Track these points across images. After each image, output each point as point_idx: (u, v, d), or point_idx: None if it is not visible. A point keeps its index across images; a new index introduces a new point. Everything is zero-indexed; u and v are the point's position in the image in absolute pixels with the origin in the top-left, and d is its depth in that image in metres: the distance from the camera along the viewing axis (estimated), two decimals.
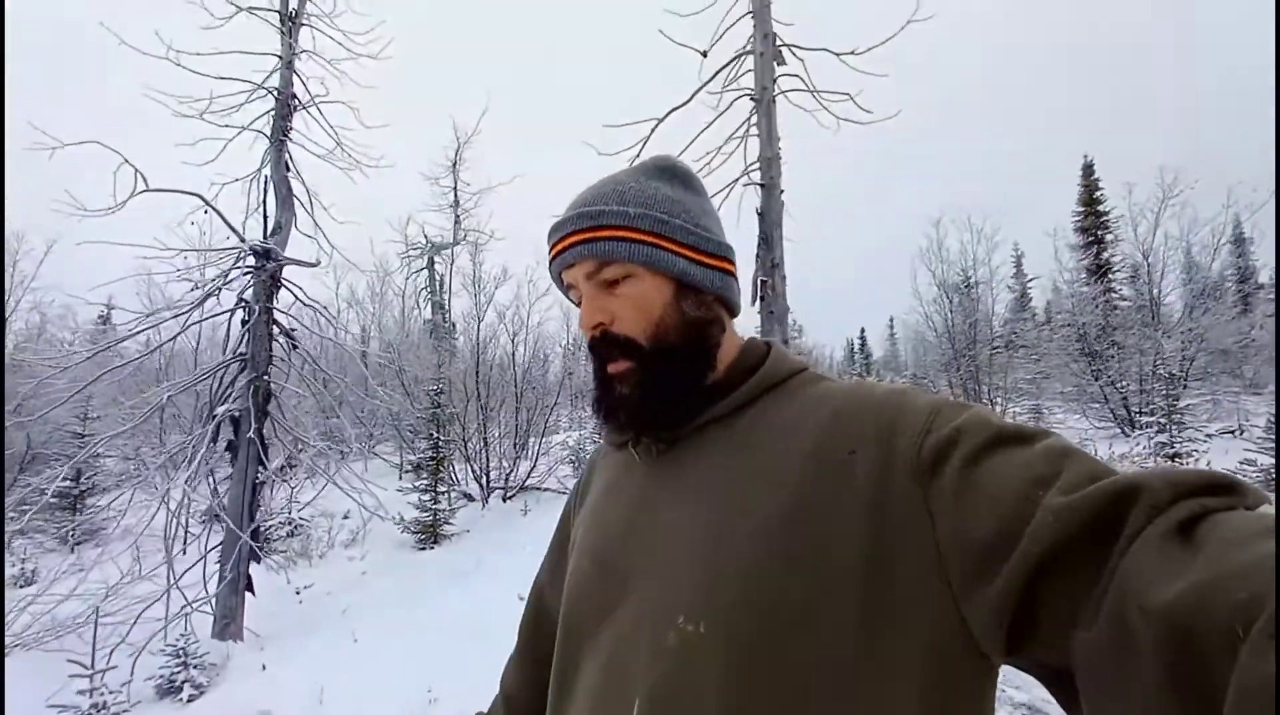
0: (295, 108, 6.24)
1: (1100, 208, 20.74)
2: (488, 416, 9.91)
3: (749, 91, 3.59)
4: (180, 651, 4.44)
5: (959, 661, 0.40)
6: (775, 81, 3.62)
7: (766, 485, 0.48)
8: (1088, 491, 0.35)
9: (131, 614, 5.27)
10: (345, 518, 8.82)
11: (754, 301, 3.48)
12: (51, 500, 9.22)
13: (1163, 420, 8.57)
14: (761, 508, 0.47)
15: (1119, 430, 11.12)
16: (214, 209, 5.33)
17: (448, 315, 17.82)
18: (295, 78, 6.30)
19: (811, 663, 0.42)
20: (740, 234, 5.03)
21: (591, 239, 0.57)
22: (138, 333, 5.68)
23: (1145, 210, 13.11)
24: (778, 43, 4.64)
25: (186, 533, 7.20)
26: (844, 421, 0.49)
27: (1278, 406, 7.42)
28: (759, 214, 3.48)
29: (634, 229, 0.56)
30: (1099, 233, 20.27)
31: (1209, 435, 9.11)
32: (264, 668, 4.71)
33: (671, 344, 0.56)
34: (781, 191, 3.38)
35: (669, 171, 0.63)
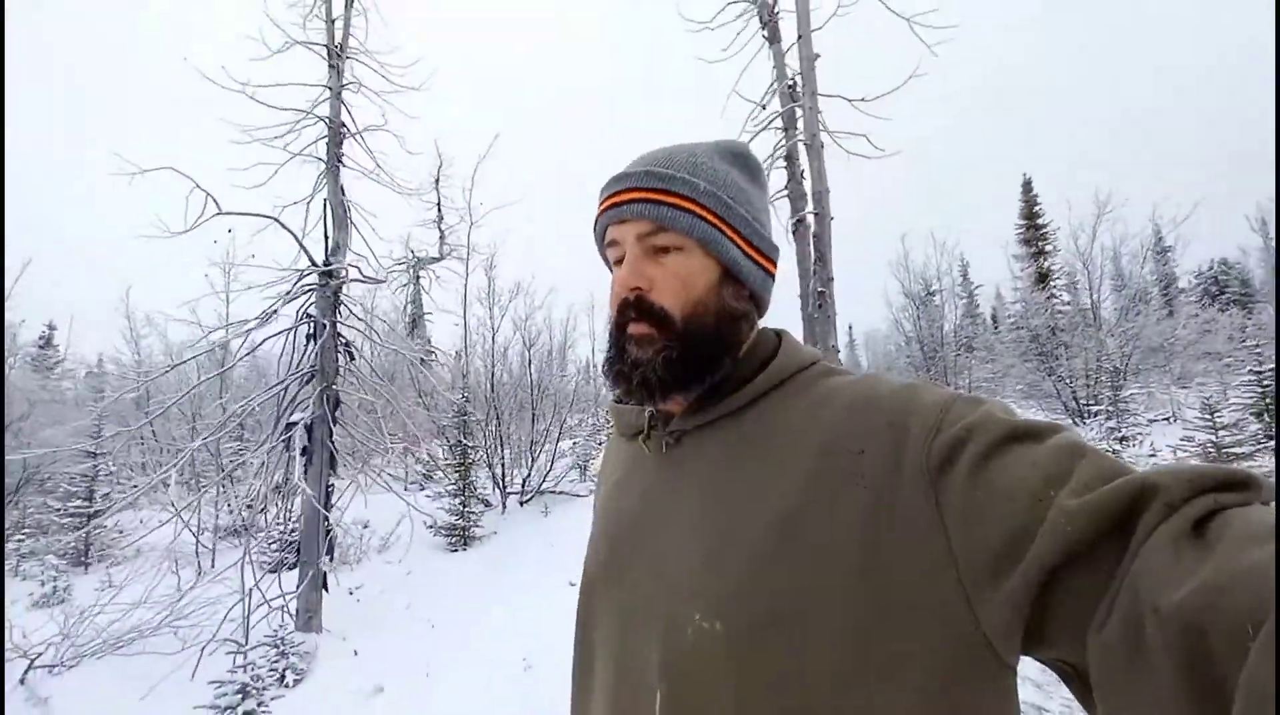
0: (345, 135, 6.70)
1: (1039, 221, 22.82)
2: (502, 424, 10.36)
3: (802, 138, 4.37)
4: (279, 641, 4.80)
5: (974, 663, 0.39)
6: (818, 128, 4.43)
7: (774, 483, 0.48)
8: (1102, 491, 0.34)
9: (197, 616, 5.57)
10: (365, 527, 9.08)
11: (813, 308, 4.24)
12: (62, 520, 9.13)
13: (1110, 408, 9.82)
14: (766, 504, 0.47)
15: (1070, 421, 12.47)
16: (288, 229, 5.75)
17: (421, 329, 18.08)
18: (344, 107, 6.76)
19: (816, 660, 0.42)
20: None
21: (655, 201, 0.55)
22: (203, 351, 5.98)
23: (1084, 224, 14.72)
24: (800, 91, 5.48)
25: (248, 539, 7.38)
26: (854, 418, 0.48)
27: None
28: (814, 237, 4.25)
29: (699, 204, 0.55)
30: (1039, 244, 22.30)
31: (1150, 421, 10.45)
32: (355, 653, 5.10)
33: (704, 328, 0.55)
34: (832, 218, 4.17)
35: (742, 158, 0.62)
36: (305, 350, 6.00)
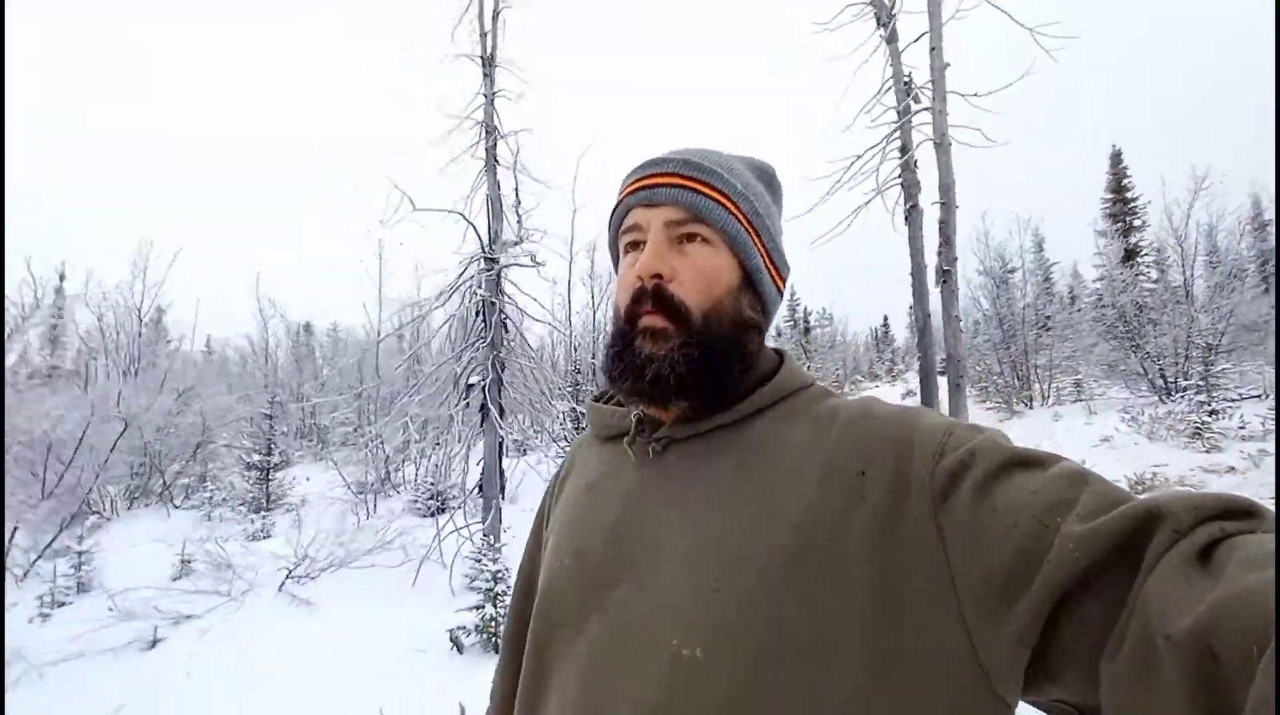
0: (498, 137, 7.74)
1: (1128, 195, 21.97)
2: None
3: (929, 138, 5.05)
4: (481, 554, 5.99)
5: (976, 699, 0.38)
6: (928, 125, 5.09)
7: (774, 503, 0.46)
8: (1109, 517, 0.34)
9: (401, 541, 6.88)
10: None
11: (938, 283, 4.98)
12: (245, 473, 10.83)
13: (1200, 383, 9.97)
14: (769, 527, 0.45)
15: (1157, 398, 12.51)
16: (469, 222, 6.86)
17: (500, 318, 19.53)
18: (495, 112, 7.79)
19: (818, 694, 0.40)
20: (875, 233, 6.50)
21: (693, 188, 0.54)
22: (415, 319, 7.22)
23: (1178, 200, 14.39)
24: (915, 86, 6.11)
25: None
26: (855, 441, 0.47)
27: (1278, 406, 8.01)
28: (941, 223, 4.95)
29: (734, 203, 0.55)
30: (1128, 219, 21.53)
31: (1241, 396, 10.50)
32: None
33: (721, 331, 0.53)
34: (957, 207, 4.85)
35: (769, 176, 0.62)
36: (473, 324, 7.15)
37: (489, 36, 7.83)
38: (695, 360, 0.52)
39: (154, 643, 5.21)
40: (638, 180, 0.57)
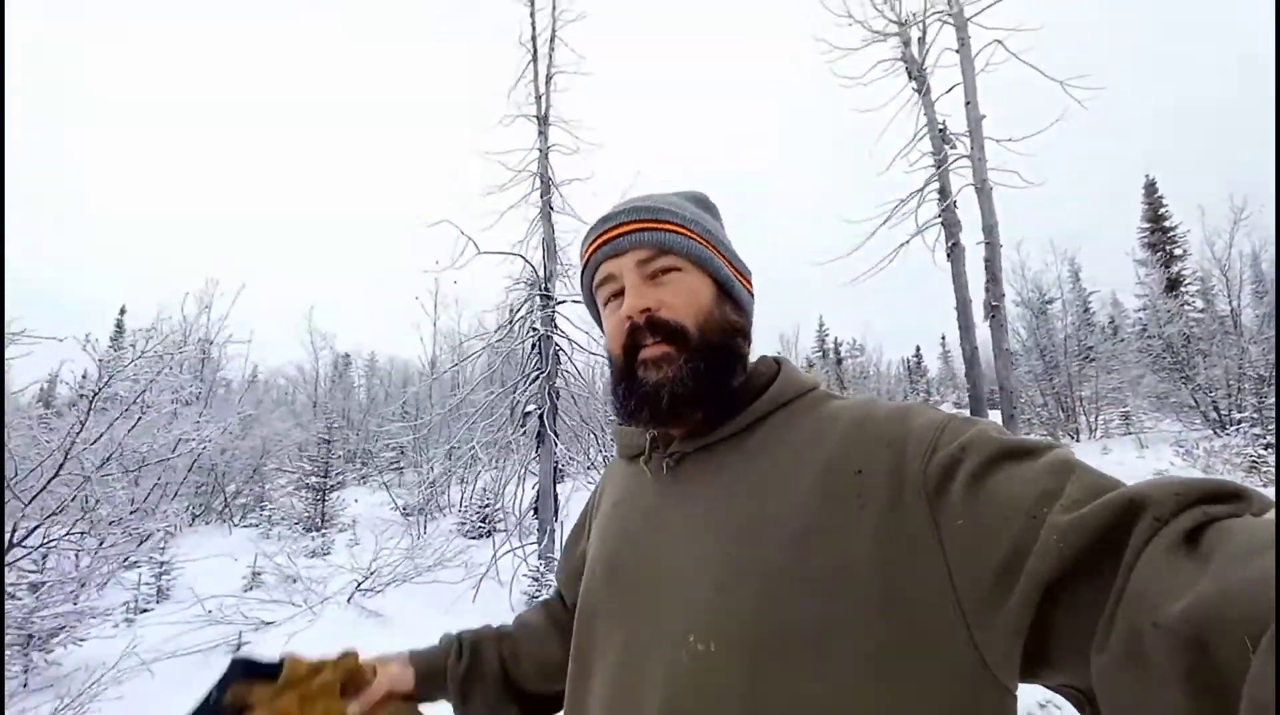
0: (552, 186, 8.36)
1: (1165, 224, 21.70)
2: None
3: (971, 183, 5.40)
4: (539, 573, 6.29)
5: (977, 688, 0.39)
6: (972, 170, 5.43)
7: (778, 504, 0.48)
8: (1092, 506, 0.34)
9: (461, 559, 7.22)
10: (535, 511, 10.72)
11: (986, 318, 5.23)
12: (299, 493, 11.37)
13: (1254, 416, 9.75)
14: (773, 527, 0.47)
15: (1211, 431, 12.17)
16: (528, 263, 7.40)
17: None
18: (549, 164, 8.44)
19: (823, 682, 0.41)
20: (906, 267, 6.79)
21: (651, 228, 0.58)
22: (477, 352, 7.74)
23: (1219, 229, 14.24)
24: (950, 133, 6.47)
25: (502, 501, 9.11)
26: (853, 440, 0.49)
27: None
28: (986, 261, 5.25)
29: (689, 229, 0.59)
30: (1168, 248, 21.21)
31: None
32: None
33: (715, 341, 0.57)
34: (1000, 247, 5.14)
35: (703, 201, 0.67)
36: (528, 356, 7.62)
37: (543, 99, 8.55)
38: (702, 372, 0.55)
39: (238, 646, 5.62)
40: (598, 237, 0.61)
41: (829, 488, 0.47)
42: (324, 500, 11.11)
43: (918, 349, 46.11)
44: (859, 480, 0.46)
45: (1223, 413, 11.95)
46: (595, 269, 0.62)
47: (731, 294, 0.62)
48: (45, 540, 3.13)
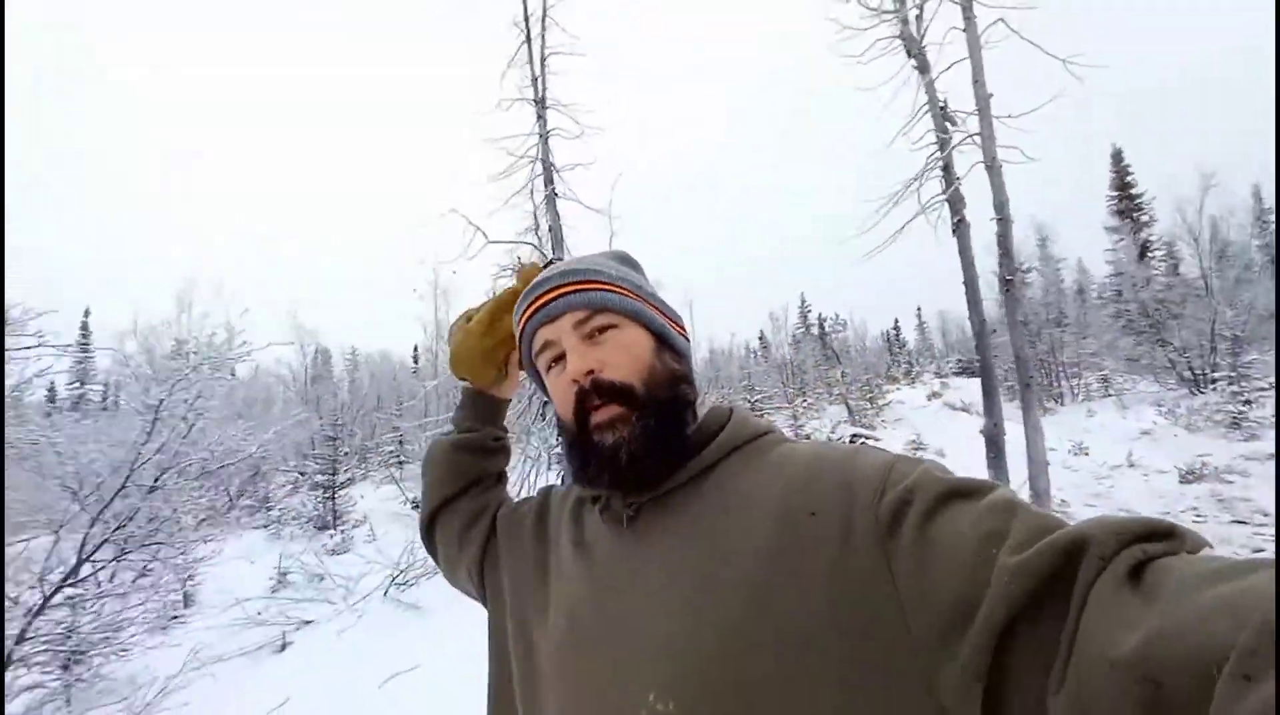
0: (554, 172, 8.32)
1: (1133, 192, 22.45)
2: None
3: (981, 161, 5.57)
4: None
5: None
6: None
7: (733, 556, 0.48)
8: (1038, 548, 0.35)
9: None
10: None
11: (1002, 291, 5.45)
12: (309, 491, 11.32)
13: (1230, 374, 10.32)
14: (729, 580, 0.47)
15: (1188, 391, 12.84)
16: (540, 251, 7.41)
17: None
18: (549, 149, 8.39)
19: None
20: (928, 248, 7.00)
21: (582, 289, 0.59)
22: None
23: (1189, 198, 14.84)
24: (950, 109, 6.65)
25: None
26: (805, 484, 0.49)
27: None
28: (999, 237, 5.44)
29: (617, 286, 0.61)
30: (1135, 215, 21.98)
31: (1270, 385, 10.84)
32: None
33: (662, 393, 0.57)
34: (1012, 222, 5.33)
35: (626, 257, 0.69)
36: None
37: (539, 81, 8.45)
38: (653, 427, 0.55)
39: (283, 646, 5.68)
40: (530, 305, 0.62)
41: (784, 535, 0.47)
42: (334, 498, 11.07)
43: (896, 322, 47.07)
44: (812, 522, 0.46)
45: (1198, 372, 12.60)
46: (532, 337, 0.62)
47: (669, 342, 0.62)
48: (120, 552, 3.15)
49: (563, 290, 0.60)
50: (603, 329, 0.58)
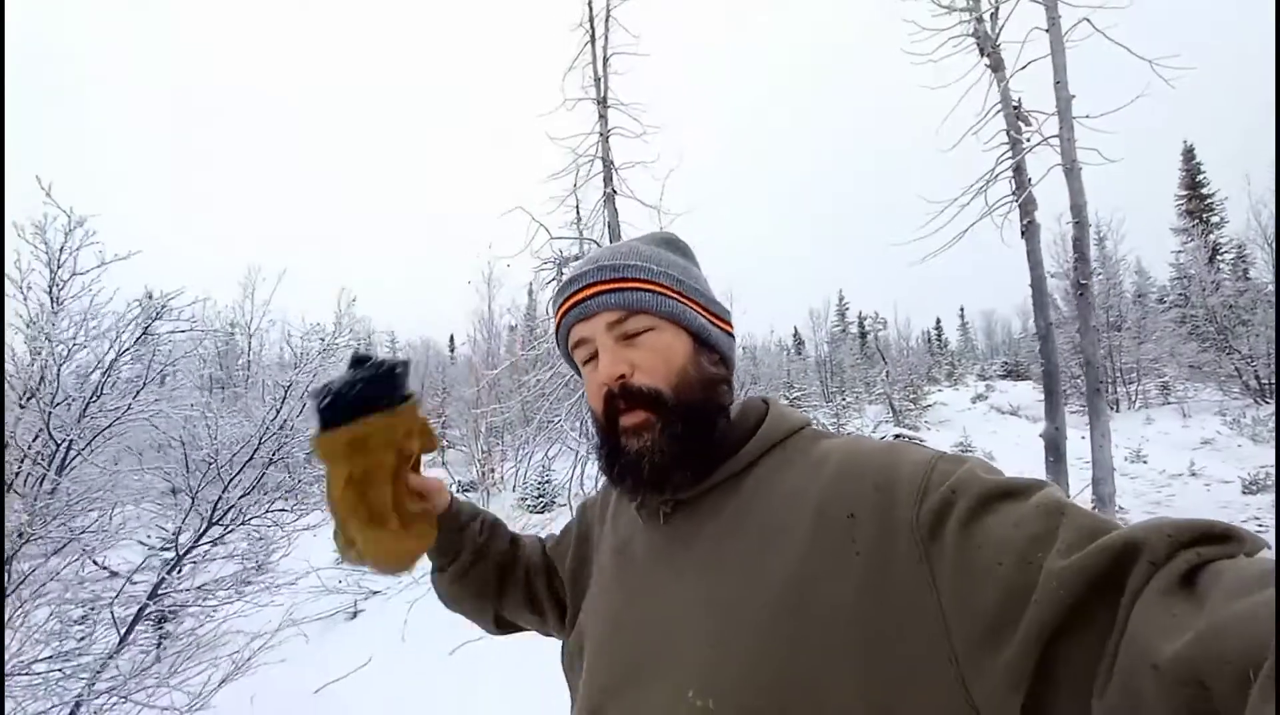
0: (613, 169, 8.48)
1: (1204, 191, 21.33)
2: None
3: (1060, 164, 5.50)
4: None
5: None
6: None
7: (771, 556, 0.48)
8: (1088, 551, 0.34)
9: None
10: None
11: (1076, 295, 5.38)
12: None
13: None
14: (766, 580, 0.47)
15: (1253, 400, 12.28)
16: (598, 245, 7.62)
17: None
18: (609, 147, 8.54)
19: None
20: (974, 248, 6.92)
21: (617, 289, 0.57)
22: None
23: (1264, 199, 14.07)
24: (1024, 110, 6.53)
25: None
26: (842, 484, 0.49)
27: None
28: (1075, 240, 5.37)
29: (657, 283, 0.58)
30: (1204, 216, 20.89)
31: None
32: None
33: (693, 398, 0.56)
34: (1090, 225, 5.24)
35: (674, 243, 0.66)
36: None
37: (601, 81, 8.60)
38: (679, 435, 0.54)
39: (355, 614, 6.07)
40: (567, 300, 0.60)
41: (821, 535, 0.46)
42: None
43: (938, 321, 45.87)
44: (851, 524, 0.46)
45: (1264, 381, 12.03)
46: (568, 332, 0.61)
47: (709, 343, 0.60)
48: (241, 519, 3.47)
49: (598, 288, 0.58)
50: (637, 333, 0.57)
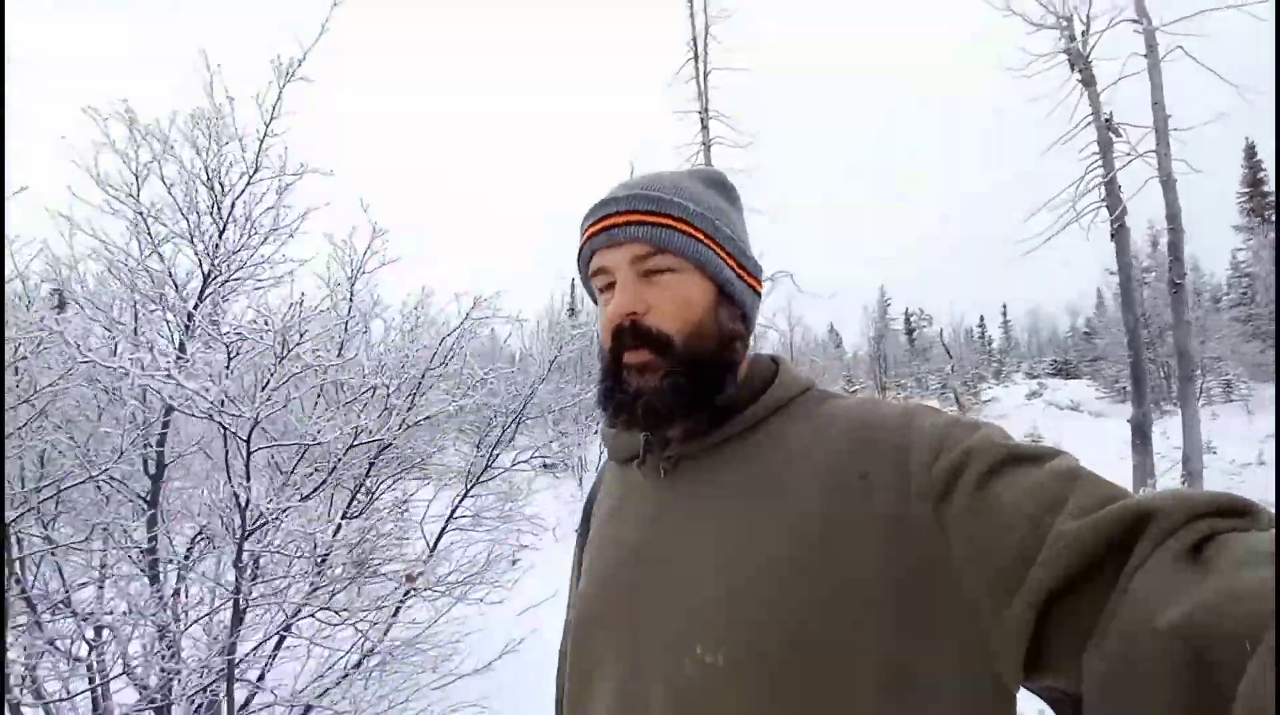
0: None
1: (1265, 189, 21.16)
2: None
3: (1156, 176, 6.18)
4: None
5: (982, 691, 0.40)
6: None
7: (783, 510, 0.47)
8: (1100, 515, 0.35)
9: None
10: None
11: (1171, 294, 6.10)
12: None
13: None
14: (780, 534, 0.46)
15: None
16: None
17: None
18: (710, 158, 9.39)
19: (841, 696, 0.41)
20: (1082, 246, 7.57)
21: (651, 223, 0.55)
22: None
23: None
24: (1115, 122, 7.19)
25: None
26: (856, 443, 0.48)
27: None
28: (1170, 245, 6.05)
29: (692, 225, 0.55)
30: (1266, 214, 20.75)
31: None
32: None
33: (704, 350, 0.54)
34: (1183, 232, 5.93)
35: (720, 183, 0.63)
36: None
37: (704, 95, 9.45)
38: (682, 386, 0.52)
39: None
40: (597, 222, 0.57)
41: (834, 493, 0.46)
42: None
43: (981, 319, 45.58)
44: (863, 484, 0.45)
45: None
46: (590, 256, 0.59)
47: (732, 296, 0.58)
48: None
49: (630, 217, 0.55)
50: (660, 269, 0.55)
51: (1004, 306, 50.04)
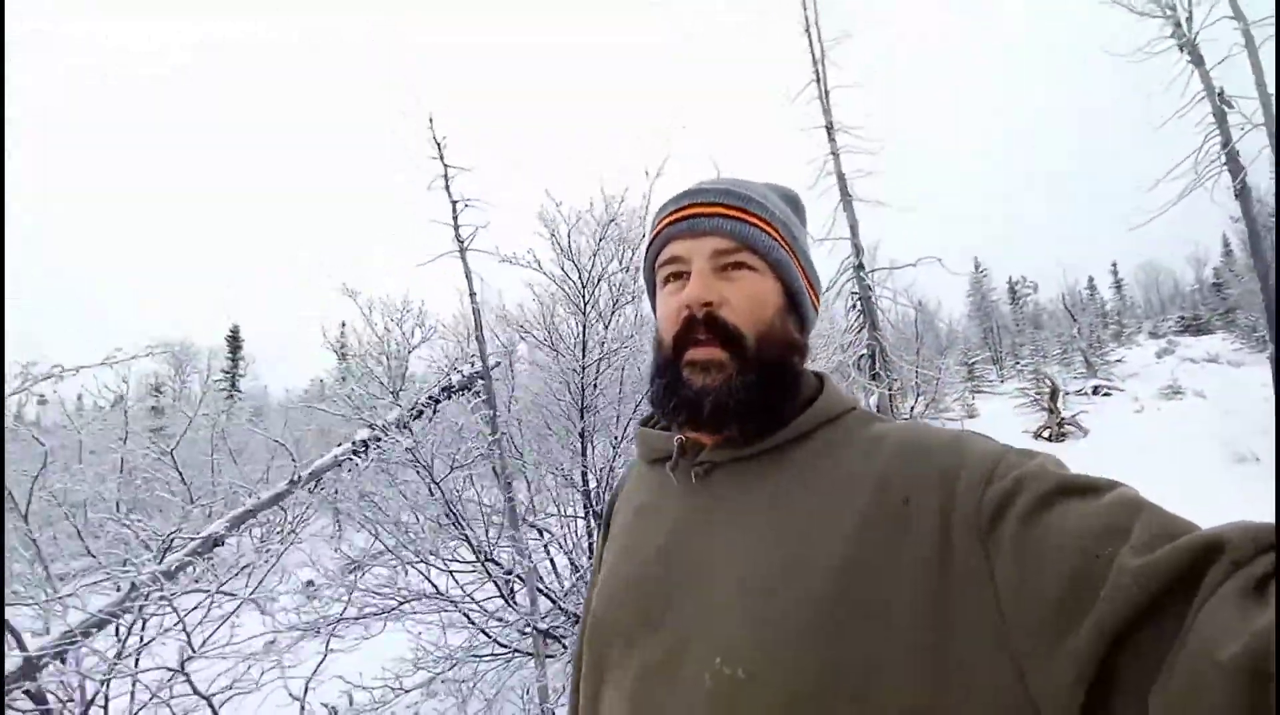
0: (846, 181, 10.81)
1: None
2: None
3: (1269, 145, 7.16)
4: None
5: None
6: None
7: (823, 530, 0.46)
8: (1168, 549, 0.33)
9: None
10: None
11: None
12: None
13: None
14: (818, 554, 0.45)
15: None
16: (855, 245, 9.99)
17: None
18: (840, 164, 10.87)
19: None
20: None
21: (738, 218, 0.55)
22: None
23: None
24: (1227, 94, 8.09)
25: None
26: (902, 467, 0.47)
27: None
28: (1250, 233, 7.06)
29: (777, 230, 0.57)
30: None
31: None
32: None
33: (773, 355, 0.54)
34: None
35: (794, 200, 0.65)
36: (850, 316, 10.23)
37: (829, 112, 10.95)
38: (753, 386, 0.52)
39: None
40: (678, 211, 0.58)
41: (875, 517, 0.45)
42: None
43: (1091, 280, 43.10)
44: (906, 510, 0.44)
45: None
46: (664, 244, 0.59)
47: (799, 308, 0.59)
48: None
49: (717, 209, 0.56)
50: (738, 266, 0.55)
51: (1113, 264, 46.84)
